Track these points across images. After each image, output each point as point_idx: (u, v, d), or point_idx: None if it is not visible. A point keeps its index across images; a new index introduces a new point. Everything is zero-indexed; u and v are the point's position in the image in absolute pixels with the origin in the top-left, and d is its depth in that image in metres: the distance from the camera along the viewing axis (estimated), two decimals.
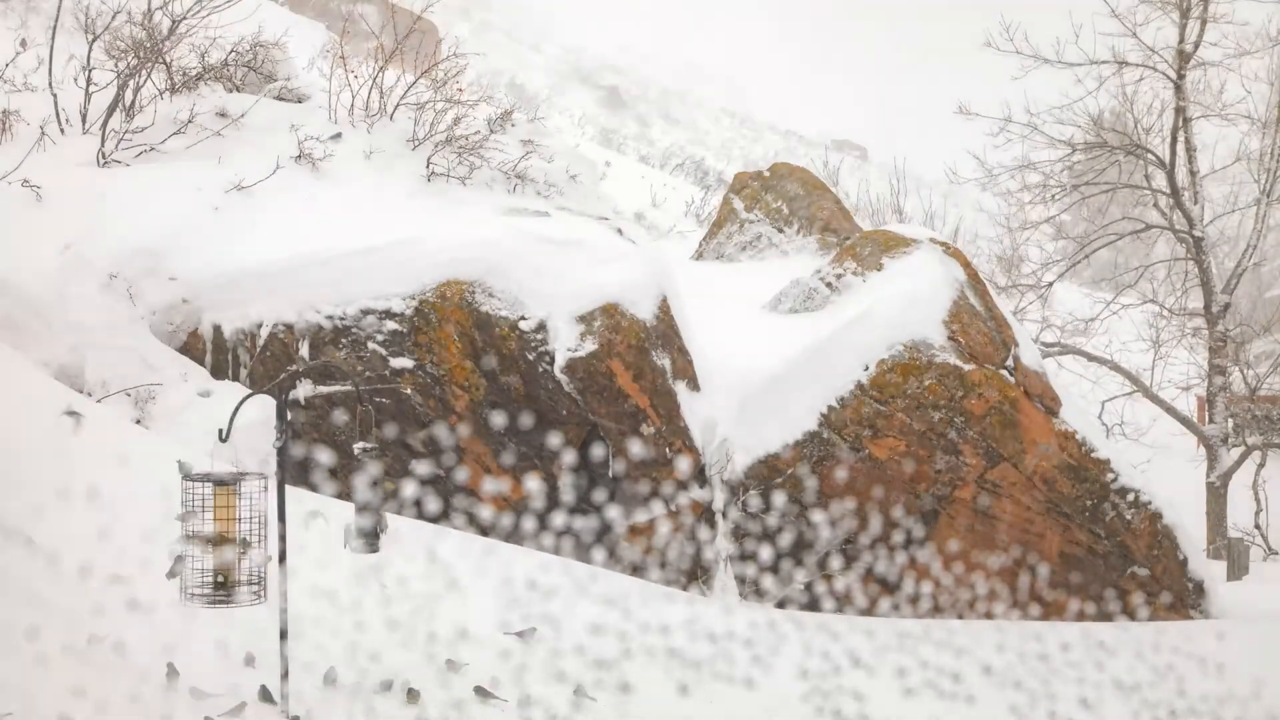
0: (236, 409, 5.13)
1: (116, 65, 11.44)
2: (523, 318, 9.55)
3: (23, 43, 11.83)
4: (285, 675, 5.09)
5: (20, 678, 4.72)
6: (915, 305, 10.75)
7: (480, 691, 5.87)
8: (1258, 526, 18.09)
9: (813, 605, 9.92)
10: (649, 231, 23.80)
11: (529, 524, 9.44)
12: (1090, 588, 10.36)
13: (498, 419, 9.44)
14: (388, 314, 9.41)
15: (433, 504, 9.19)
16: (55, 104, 11.04)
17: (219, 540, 4.82)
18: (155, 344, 9.28)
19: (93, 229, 9.51)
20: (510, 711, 5.87)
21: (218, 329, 9.40)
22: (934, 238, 12.16)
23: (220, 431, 4.94)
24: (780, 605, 9.84)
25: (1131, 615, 10.19)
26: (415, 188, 11.32)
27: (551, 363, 9.45)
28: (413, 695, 5.65)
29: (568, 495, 9.76)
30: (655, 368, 9.87)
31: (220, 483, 4.85)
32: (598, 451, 9.84)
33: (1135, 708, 2.95)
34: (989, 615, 10.30)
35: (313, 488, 7.57)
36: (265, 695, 5.17)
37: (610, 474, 9.81)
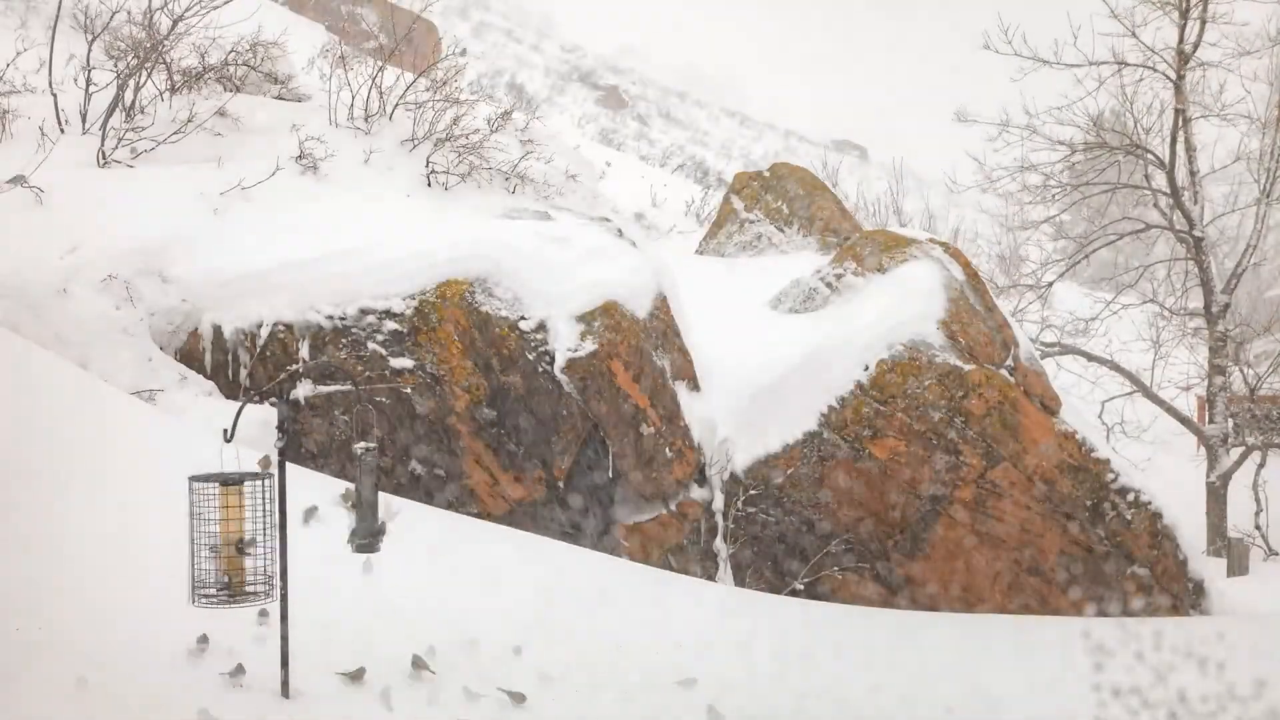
0: (240, 410, 5.14)
1: (116, 65, 11.44)
2: (523, 318, 9.55)
3: (21, 41, 11.83)
4: (285, 664, 5.12)
5: (24, 675, 4.72)
6: (915, 305, 10.75)
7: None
8: (1258, 527, 18.05)
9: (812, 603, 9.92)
10: (649, 231, 23.78)
11: (529, 523, 9.44)
12: (1090, 588, 10.36)
13: (498, 419, 9.44)
14: (388, 314, 9.41)
15: (432, 502, 9.20)
16: (55, 104, 11.03)
17: (226, 540, 4.82)
18: (155, 346, 9.29)
19: (93, 230, 9.51)
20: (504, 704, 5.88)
21: (218, 329, 9.40)
22: (934, 238, 12.17)
23: (225, 431, 4.94)
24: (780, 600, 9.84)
25: (1131, 615, 10.20)
26: (415, 188, 11.32)
27: (551, 363, 9.45)
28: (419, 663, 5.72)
29: (568, 494, 9.76)
30: (655, 368, 9.87)
31: (226, 482, 4.85)
32: (598, 451, 9.84)
33: (1135, 708, 2.95)
34: (988, 614, 10.29)
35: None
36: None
37: (610, 473, 9.82)
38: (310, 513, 7.03)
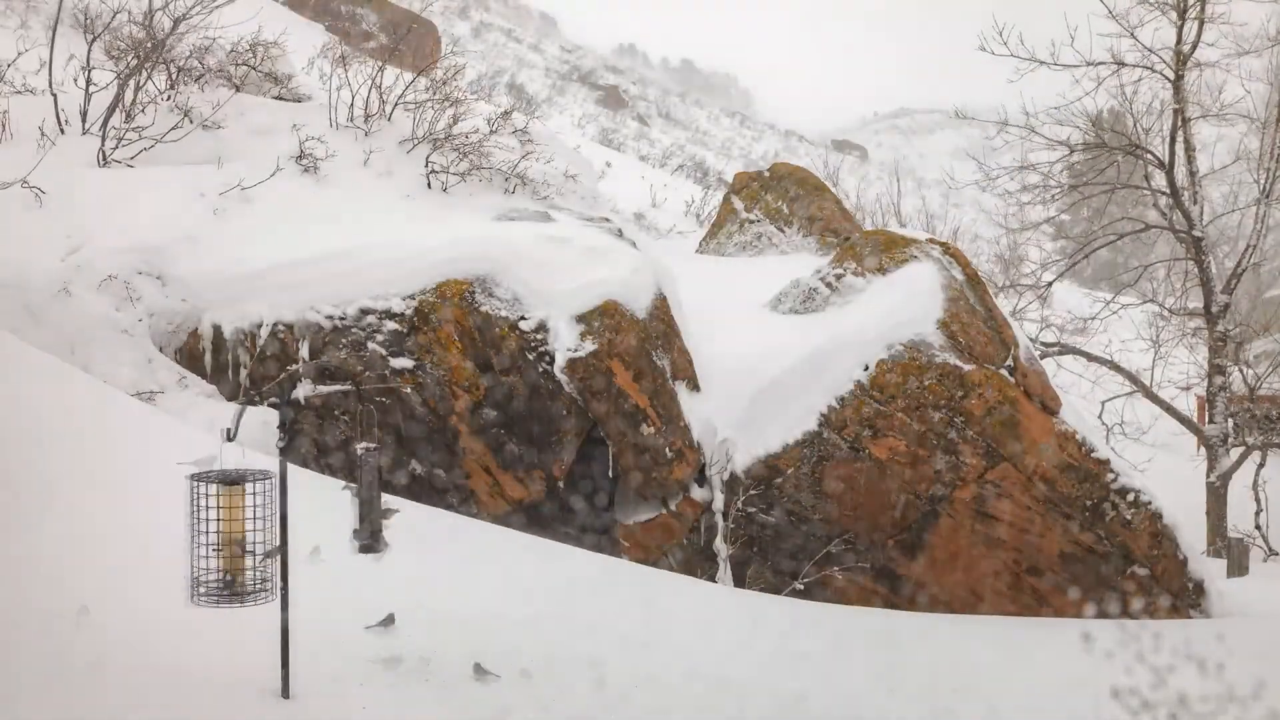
0: (242, 409, 5.13)
1: (116, 65, 11.45)
2: (523, 318, 9.55)
3: (21, 41, 11.84)
4: (285, 664, 5.11)
5: (24, 673, 4.72)
6: (915, 305, 10.75)
7: (478, 669, 5.97)
8: (1258, 527, 18.06)
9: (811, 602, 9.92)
10: (649, 232, 23.80)
11: (529, 523, 9.44)
12: (1090, 588, 10.36)
13: (498, 419, 9.44)
14: (388, 314, 9.41)
15: (433, 502, 9.19)
16: (55, 105, 11.04)
17: (227, 540, 4.81)
18: (155, 347, 9.30)
19: (93, 230, 9.51)
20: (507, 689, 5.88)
21: (217, 329, 9.40)
22: (933, 238, 12.17)
23: (227, 431, 4.94)
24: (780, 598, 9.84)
25: (1131, 615, 10.19)
26: (415, 188, 11.34)
27: (552, 363, 9.45)
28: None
29: (568, 494, 9.76)
30: (655, 368, 9.87)
31: (227, 482, 4.83)
32: (598, 451, 9.84)
33: (1134, 709, 2.96)
34: (988, 614, 10.30)
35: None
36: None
37: (610, 473, 9.82)
38: (320, 511, 7.03)
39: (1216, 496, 17.87)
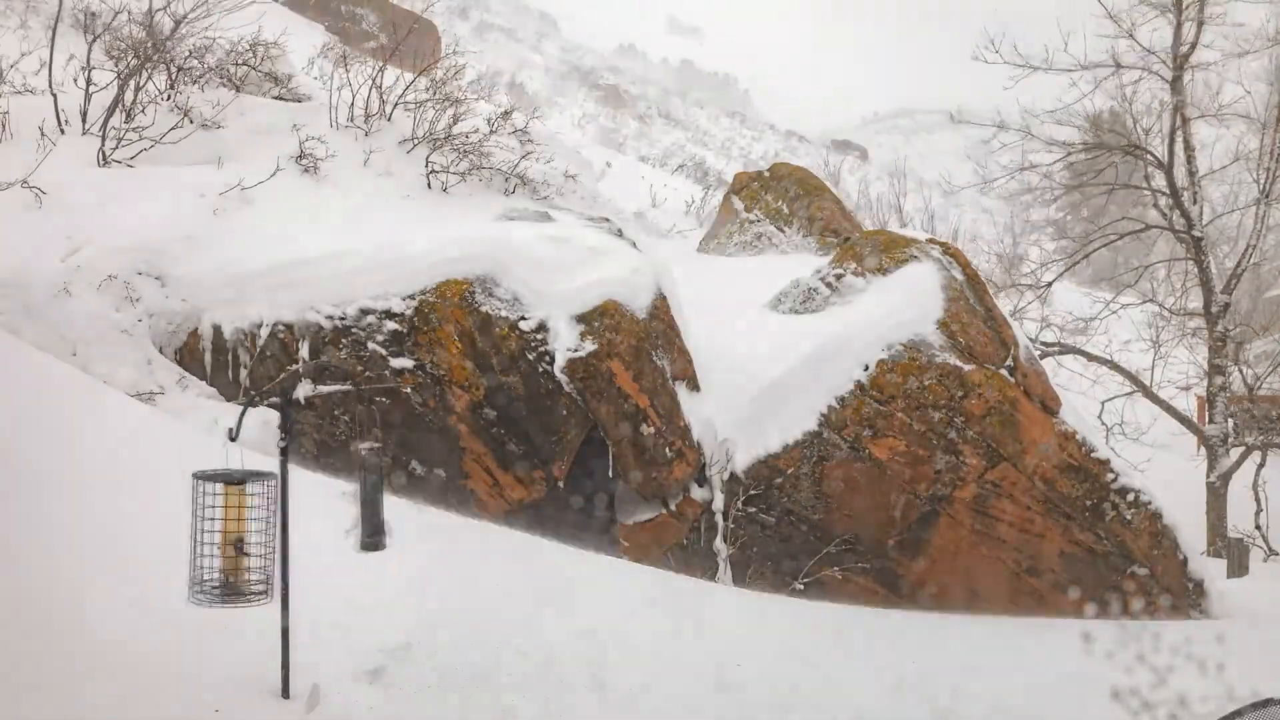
0: (244, 409, 5.14)
1: (117, 65, 11.45)
2: (523, 318, 9.55)
3: (24, 42, 11.84)
4: (285, 664, 5.12)
5: (23, 675, 4.73)
6: (915, 305, 10.76)
7: None
8: (1258, 527, 18.08)
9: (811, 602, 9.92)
10: (649, 232, 23.78)
11: (529, 523, 9.44)
12: (1090, 588, 10.37)
13: (498, 419, 9.44)
14: (388, 314, 9.41)
15: (433, 502, 9.20)
16: (55, 105, 11.04)
17: (229, 539, 4.81)
18: (155, 348, 9.29)
19: (93, 230, 9.51)
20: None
21: (217, 329, 9.40)
22: (934, 238, 12.18)
23: (230, 431, 4.94)
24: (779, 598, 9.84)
25: (1131, 615, 10.21)
26: (415, 189, 11.34)
27: (551, 363, 9.45)
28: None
29: (568, 494, 9.76)
30: (655, 368, 9.87)
31: (230, 482, 4.84)
32: (598, 451, 9.84)
33: (1135, 709, 2.96)
34: (988, 614, 10.30)
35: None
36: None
37: (610, 473, 9.82)
38: (314, 514, 7.03)
39: (1216, 496, 17.88)
